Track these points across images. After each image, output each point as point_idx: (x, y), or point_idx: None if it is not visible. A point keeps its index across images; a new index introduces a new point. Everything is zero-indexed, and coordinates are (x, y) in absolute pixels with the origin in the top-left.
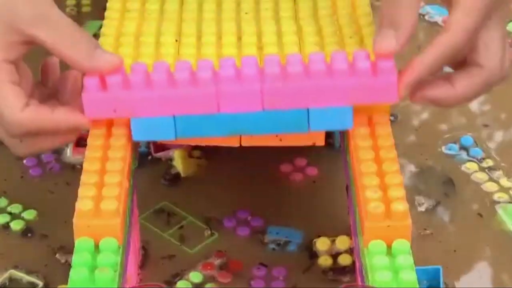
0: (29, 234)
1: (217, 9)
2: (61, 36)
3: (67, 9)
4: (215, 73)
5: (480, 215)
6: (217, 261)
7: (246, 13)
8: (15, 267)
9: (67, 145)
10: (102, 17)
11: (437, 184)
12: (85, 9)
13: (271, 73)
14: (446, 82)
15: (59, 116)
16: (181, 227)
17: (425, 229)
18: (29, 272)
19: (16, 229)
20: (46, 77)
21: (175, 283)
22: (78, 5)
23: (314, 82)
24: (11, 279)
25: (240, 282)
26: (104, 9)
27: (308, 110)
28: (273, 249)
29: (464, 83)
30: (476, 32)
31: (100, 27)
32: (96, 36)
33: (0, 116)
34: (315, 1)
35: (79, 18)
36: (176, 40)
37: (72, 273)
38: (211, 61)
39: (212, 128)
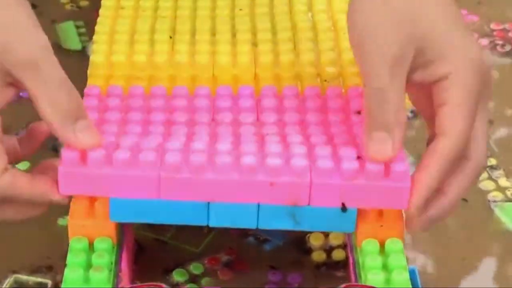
0: None
1: (211, 5)
2: (46, 92)
3: (66, 6)
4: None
5: (471, 208)
6: (224, 258)
7: (240, 9)
8: (15, 272)
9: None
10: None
11: None
12: (83, 3)
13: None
14: (418, 172)
15: (37, 189)
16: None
17: None
18: (33, 272)
19: None
20: (27, 140)
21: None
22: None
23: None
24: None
25: (240, 282)
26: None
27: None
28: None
29: (454, 184)
30: (471, 127)
31: (77, 27)
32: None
33: None
34: None
35: (80, 14)
36: (171, 37)
37: (66, 272)
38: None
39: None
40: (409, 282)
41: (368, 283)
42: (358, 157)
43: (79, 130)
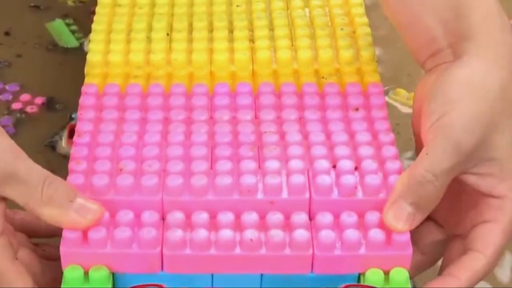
0: None
1: (208, 1)
2: (31, 194)
3: (69, 2)
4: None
5: None
6: None
7: (237, 5)
8: None
9: (60, 138)
10: None
11: None
12: None
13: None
14: (449, 277)
15: None
16: None
17: None
18: None
19: None
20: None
21: None
22: None
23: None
24: None
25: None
26: None
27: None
28: None
29: (467, 273)
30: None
31: (67, 24)
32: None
33: None
34: None
35: (84, 9)
36: (168, 34)
37: (66, 272)
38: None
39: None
40: (409, 282)
41: (367, 282)
42: (356, 168)
43: (80, 207)
